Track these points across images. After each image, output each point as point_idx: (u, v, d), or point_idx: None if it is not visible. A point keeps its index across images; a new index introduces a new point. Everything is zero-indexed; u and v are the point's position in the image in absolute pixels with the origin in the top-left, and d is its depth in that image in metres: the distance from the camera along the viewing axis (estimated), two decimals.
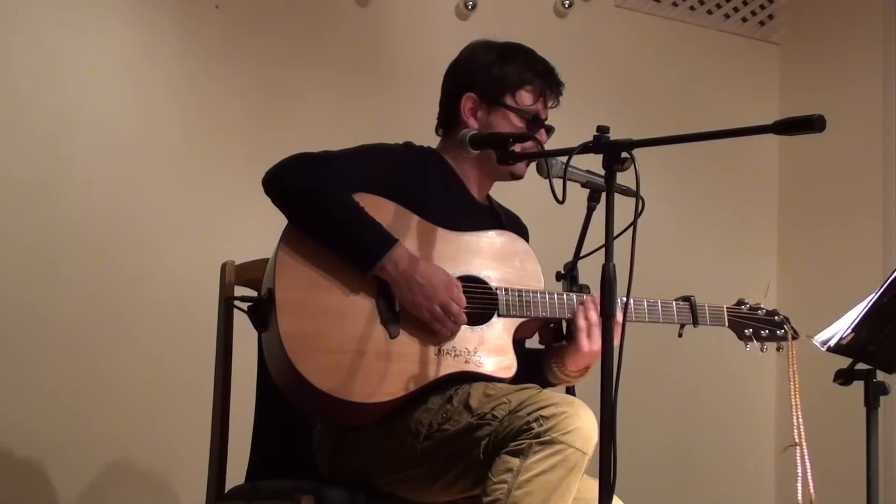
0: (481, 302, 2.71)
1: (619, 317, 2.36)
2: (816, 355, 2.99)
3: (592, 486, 2.41)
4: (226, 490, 2.89)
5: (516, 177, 2.89)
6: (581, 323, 2.75)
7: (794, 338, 3.01)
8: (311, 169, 2.63)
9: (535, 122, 2.87)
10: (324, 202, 2.60)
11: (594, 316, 2.76)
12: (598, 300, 2.69)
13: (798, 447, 2.87)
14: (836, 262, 4.83)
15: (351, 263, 2.60)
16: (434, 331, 2.64)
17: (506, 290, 2.73)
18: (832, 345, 2.92)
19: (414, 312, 2.62)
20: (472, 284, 2.70)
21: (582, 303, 2.77)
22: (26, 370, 3.60)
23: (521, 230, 3.01)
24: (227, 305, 2.92)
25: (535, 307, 2.74)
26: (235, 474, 2.91)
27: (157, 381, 3.77)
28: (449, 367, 2.65)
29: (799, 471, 2.86)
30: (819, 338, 2.95)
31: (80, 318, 3.69)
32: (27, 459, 3.58)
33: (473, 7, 4.39)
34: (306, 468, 2.80)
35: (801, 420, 2.88)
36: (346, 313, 2.59)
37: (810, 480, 2.86)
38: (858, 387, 2.93)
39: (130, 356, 3.75)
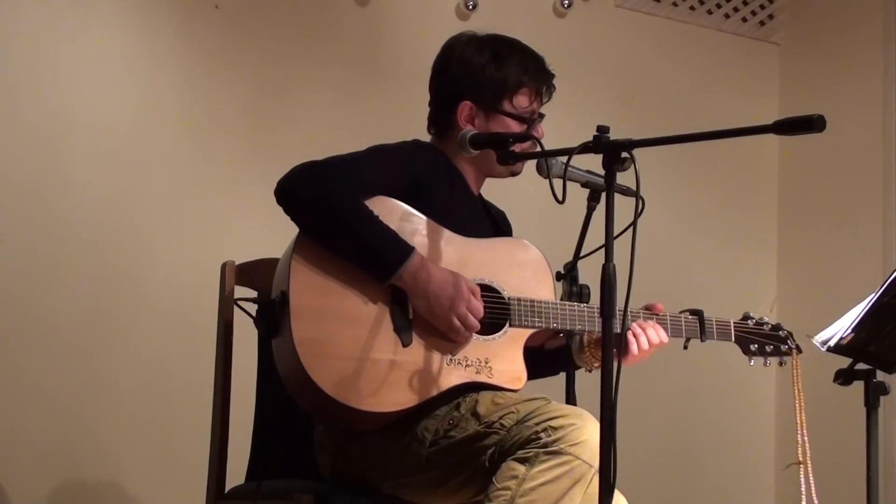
0: (494, 311, 2.69)
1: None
2: (816, 355, 2.99)
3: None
4: (226, 490, 2.89)
5: (514, 174, 2.90)
6: (634, 349, 2.77)
7: (798, 353, 3.00)
8: (322, 178, 2.59)
9: (532, 122, 2.86)
10: (337, 212, 2.57)
11: (645, 343, 2.78)
12: (649, 332, 2.78)
13: (802, 465, 2.86)
14: (836, 262, 4.83)
15: (367, 273, 2.59)
16: (449, 339, 2.63)
17: (518, 300, 2.71)
18: (832, 345, 2.92)
19: (431, 321, 2.61)
20: (485, 293, 2.68)
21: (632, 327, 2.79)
22: (25, 370, 3.60)
23: (508, 227, 3.02)
24: (227, 305, 2.91)
25: (547, 317, 2.73)
26: (235, 474, 2.91)
27: (156, 382, 3.77)
28: (460, 377, 2.64)
29: (803, 488, 2.86)
30: (819, 338, 2.95)
31: (80, 318, 3.69)
32: (26, 460, 3.58)
33: (473, 7, 4.40)
34: (307, 469, 2.80)
35: (806, 439, 2.87)
36: (360, 320, 2.57)
37: (815, 499, 2.85)
38: (858, 387, 2.93)
39: (130, 356, 3.75)
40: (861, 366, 2.92)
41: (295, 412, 2.68)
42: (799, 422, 2.89)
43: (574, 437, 2.46)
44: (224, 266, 2.95)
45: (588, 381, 2.80)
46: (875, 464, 2.93)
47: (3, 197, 3.60)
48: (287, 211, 2.60)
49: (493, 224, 2.95)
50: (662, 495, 4.54)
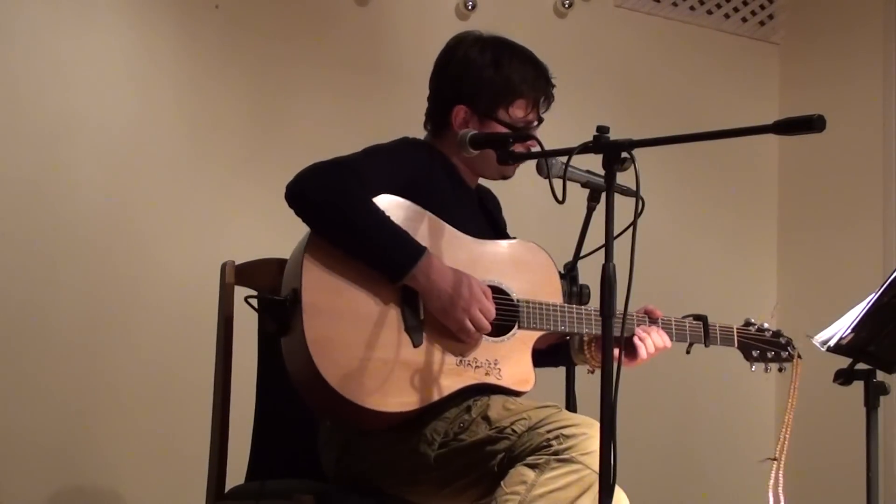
0: (503, 313, 2.69)
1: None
2: (816, 355, 2.99)
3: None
4: (226, 490, 2.89)
5: (505, 177, 2.89)
6: (642, 353, 2.80)
7: (799, 359, 3.02)
8: (332, 179, 2.59)
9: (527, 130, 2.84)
10: (349, 213, 2.56)
11: (651, 346, 2.81)
12: (654, 335, 2.81)
13: (776, 462, 2.89)
14: (836, 263, 4.83)
15: (379, 273, 2.58)
16: (459, 340, 2.63)
17: (528, 302, 2.71)
18: (832, 345, 2.92)
19: (443, 321, 2.61)
20: (495, 295, 2.68)
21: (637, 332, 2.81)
22: (25, 370, 3.60)
23: (496, 204, 3.03)
24: (227, 306, 2.91)
25: (555, 321, 2.73)
26: (235, 474, 2.91)
27: (156, 381, 3.77)
28: (469, 378, 2.64)
29: (771, 482, 2.88)
30: (819, 338, 2.95)
31: (80, 319, 3.69)
32: (27, 460, 3.58)
33: (473, 7, 4.40)
34: (307, 468, 2.80)
35: (787, 437, 2.89)
36: (371, 319, 2.57)
37: (782, 497, 2.87)
38: (858, 387, 2.93)
39: (130, 356, 3.75)
40: (861, 366, 2.93)
41: (295, 411, 2.69)
42: (786, 421, 2.91)
43: (585, 446, 2.46)
44: (224, 266, 2.95)
45: (588, 381, 2.80)
46: (875, 464, 2.93)
47: (4, 197, 3.60)
48: (298, 213, 2.60)
49: (489, 220, 2.94)
50: (663, 495, 4.54)
